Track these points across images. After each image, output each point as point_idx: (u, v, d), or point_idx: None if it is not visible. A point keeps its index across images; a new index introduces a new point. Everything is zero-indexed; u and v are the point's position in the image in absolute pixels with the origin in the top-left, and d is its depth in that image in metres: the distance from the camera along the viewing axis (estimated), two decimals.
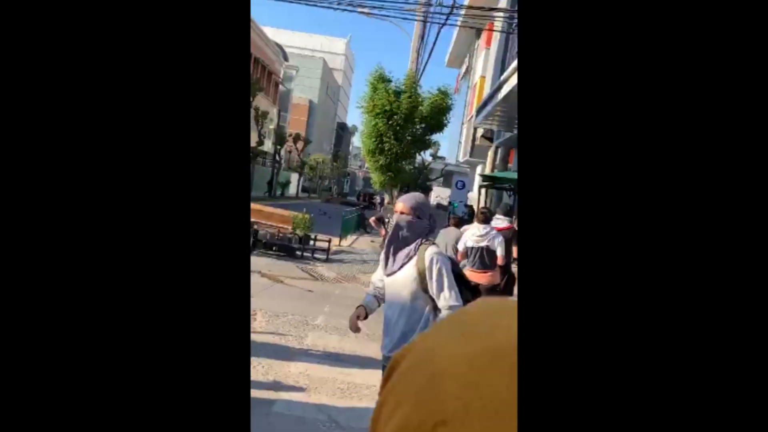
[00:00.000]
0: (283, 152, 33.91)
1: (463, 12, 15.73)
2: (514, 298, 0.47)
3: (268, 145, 30.49)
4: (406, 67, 15.24)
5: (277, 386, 3.91)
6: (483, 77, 18.52)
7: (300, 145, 36.51)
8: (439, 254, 2.40)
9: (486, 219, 5.74)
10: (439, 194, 33.96)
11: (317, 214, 12.88)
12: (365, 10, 13.22)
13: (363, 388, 4.07)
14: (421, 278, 2.36)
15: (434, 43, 21.37)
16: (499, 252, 5.55)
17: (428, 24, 14.71)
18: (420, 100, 14.45)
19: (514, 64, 9.22)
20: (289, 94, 45.21)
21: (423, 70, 15.04)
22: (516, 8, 13.34)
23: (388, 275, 2.48)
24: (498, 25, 14.37)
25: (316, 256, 10.64)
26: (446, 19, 13.23)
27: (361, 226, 17.03)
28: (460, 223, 6.87)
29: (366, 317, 2.61)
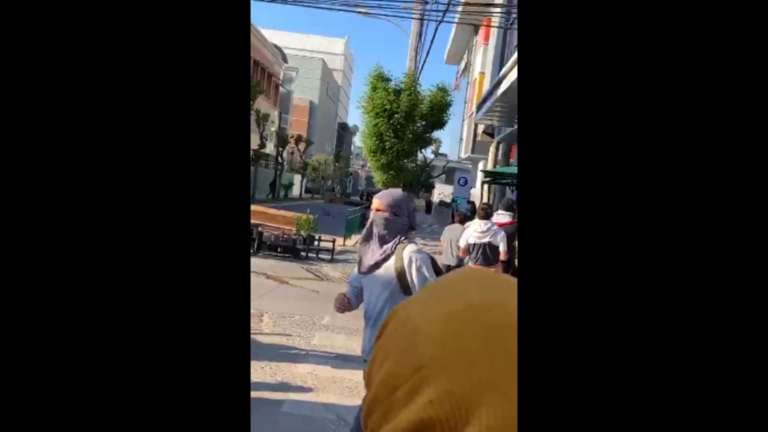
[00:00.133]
0: (285, 154, 33.89)
1: (460, 9, 15.70)
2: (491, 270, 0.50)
3: (270, 148, 30.48)
4: (405, 66, 15.22)
5: (285, 387, 3.92)
6: (482, 73, 18.47)
7: (302, 146, 36.49)
8: (418, 252, 2.31)
9: (487, 215, 5.73)
10: (442, 191, 33.89)
11: (321, 215, 12.88)
12: (363, 9, 13.20)
13: None
14: (400, 278, 2.26)
15: (432, 41, 21.30)
16: (502, 247, 5.55)
17: (426, 22, 14.69)
18: (420, 98, 14.43)
19: (513, 58, 9.19)
20: (290, 96, 45.17)
21: (422, 68, 15.03)
22: (513, 3, 13.30)
23: (365, 274, 2.38)
24: (495, 20, 14.33)
25: (320, 256, 10.64)
26: (443, 16, 13.20)
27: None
28: (464, 220, 6.86)
29: (349, 309, 2.50)
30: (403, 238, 2.35)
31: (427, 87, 14.92)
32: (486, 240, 5.54)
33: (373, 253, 2.35)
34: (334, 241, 10.88)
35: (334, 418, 3.52)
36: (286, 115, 41.81)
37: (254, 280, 7.57)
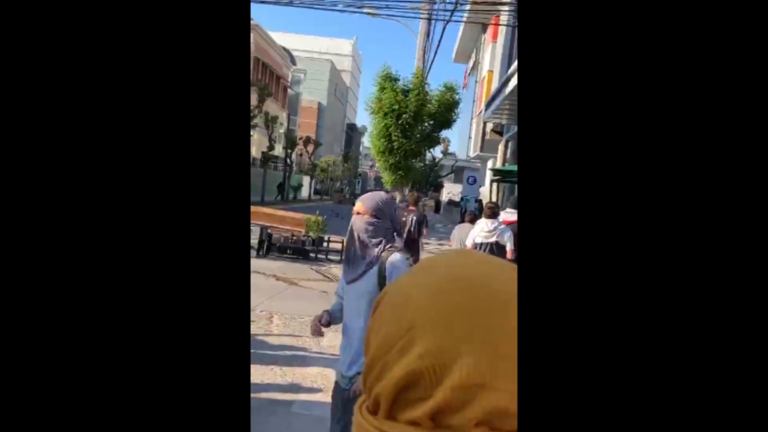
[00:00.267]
0: (294, 156, 34.01)
1: (467, 7, 15.67)
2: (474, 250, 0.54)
3: (278, 150, 30.60)
4: (414, 65, 15.22)
5: (295, 388, 3.93)
6: (491, 71, 18.43)
7: (310, 147, 36.59)
8: (403, 262, 2.11)
9: (494, 214, 5.71)
10: (451, 190, 33.85)
11: (330, 216, 12.91)
12: (371, 10, 13.22)
13: None
14: (382, 289, 1.98)
15: (440, 40, 21.32)
16: (509, 246, 5.52)
17: (433, 21, 14.68)
18: (428, 97, 14.43)
19: None
20: (298, 98, 45.33)
21: (430, 67, 15.02)
22: None
23: (348, 283, 2.21)
24: (504, 18, 14.28)
25: (330, 257, 10.67)
26: (451, 16, 13.19)
27: None
28: (474, 219, 6.85)
29: (329, 325, 2.31)
30: (389, 245, 2.16)
31: (435, 86, 14.90)
32: (493, 240, 5.52)
33: (356, 261, 2.17)
34: (343, 242, 10.89)
35: None
36: (295, 117, 41.97)
37: (264, 281, 7.59)
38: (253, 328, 5.19)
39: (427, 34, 14.96)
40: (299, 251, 10.29)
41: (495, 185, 13.70)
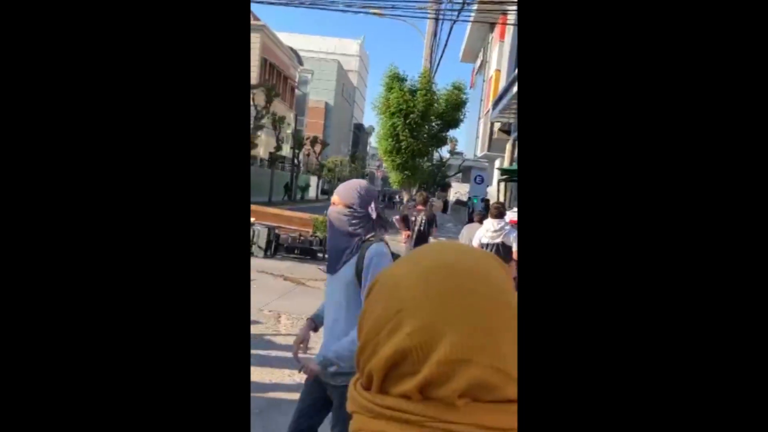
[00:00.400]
0: (301, 156, 34.12)
1: (475, 7, 15.64)
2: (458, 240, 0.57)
3: (286, 150, 30.71)
4: (421, 65, 15.22)
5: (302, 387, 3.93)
6: (498, 71, 18.39)
7: (318, 148, 36.68)
8: (380, 255, 2.01)
9: (500, 213, 5.68)
10: (458, 190, 33.82)
11: None
12: (377, 10, 13.23)
13: None
14: (359, 281, 2.01)
15: (447, 40, 21.28)
16: (515, 246, 5.50)
17: (441, 21, 14.67)
18: (435, 96, 14.42)
19: None
20: (305, 98, 45.46)
21: (437, 67, 15.00)
22: None
23: (329, 273, 2.14)
24: (511, 18, 14.25)
25: None
26: (458, 15, 13.17)
27: None
28: (483, 219, 6.83)
29: (317, 329, 2.25)
30: (370, 234, 2.06)
31: (442, 86, 14.88)
32: (498, 240, 5.50)
33: (336, 252, 2.09)
34: None
35: None
36: (302, 117, 42.11)
37: (272, 281, 7.62)
38: (261, 328, 5.20)
39: (435, 34, 14.95)
40: (307, 251, 10.31)
41: (502, 185, 13.68)
